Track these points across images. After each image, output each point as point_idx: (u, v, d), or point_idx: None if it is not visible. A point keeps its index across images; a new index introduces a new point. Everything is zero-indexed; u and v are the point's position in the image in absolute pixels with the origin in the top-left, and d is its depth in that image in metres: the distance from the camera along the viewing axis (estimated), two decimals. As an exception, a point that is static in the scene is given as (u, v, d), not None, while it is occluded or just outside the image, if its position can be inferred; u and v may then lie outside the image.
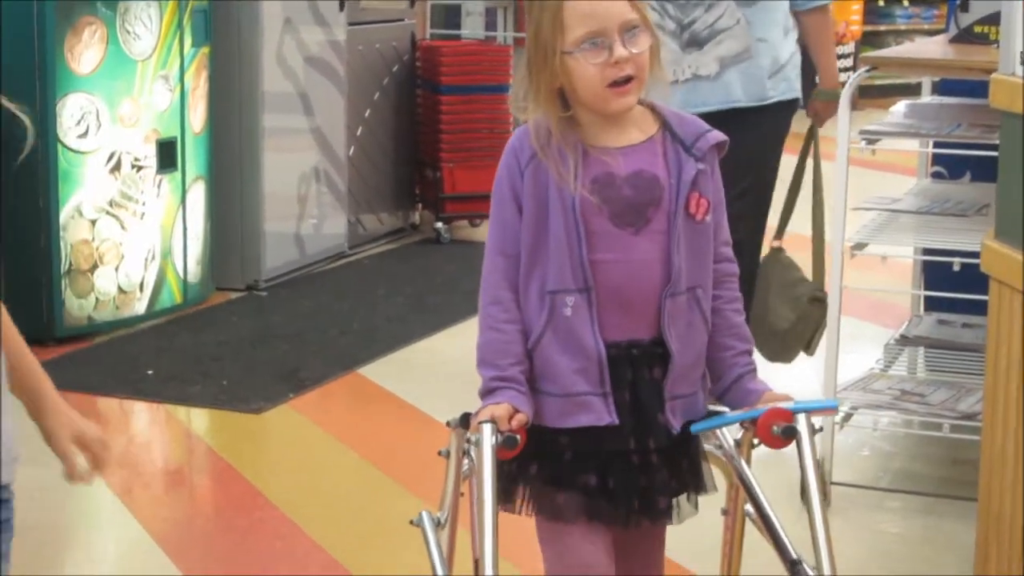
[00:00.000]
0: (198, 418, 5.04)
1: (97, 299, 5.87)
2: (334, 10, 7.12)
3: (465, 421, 2.27)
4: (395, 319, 6.30)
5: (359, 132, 7.50)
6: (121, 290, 5.96)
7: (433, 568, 2.34)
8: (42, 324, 5.62)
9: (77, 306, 5.80)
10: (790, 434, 2.15)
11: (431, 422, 4.79)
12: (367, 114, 7.59)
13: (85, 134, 5.69)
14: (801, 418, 2.17)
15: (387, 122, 7.80)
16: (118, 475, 4.42)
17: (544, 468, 2.30)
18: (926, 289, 4.99)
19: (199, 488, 4.60)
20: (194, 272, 6.34)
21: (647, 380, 2.28)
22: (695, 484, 2.38)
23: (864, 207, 4.51)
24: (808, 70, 4.48)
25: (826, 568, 2.07)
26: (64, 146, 5.61)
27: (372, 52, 7.63)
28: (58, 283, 5.68)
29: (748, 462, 2.36)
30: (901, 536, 4.05)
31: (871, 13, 14.35)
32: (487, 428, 2.11)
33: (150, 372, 5.45)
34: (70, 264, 5.73)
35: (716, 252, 2.38)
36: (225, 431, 4.89)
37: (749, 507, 2.40)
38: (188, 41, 6.14)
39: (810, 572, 2.18)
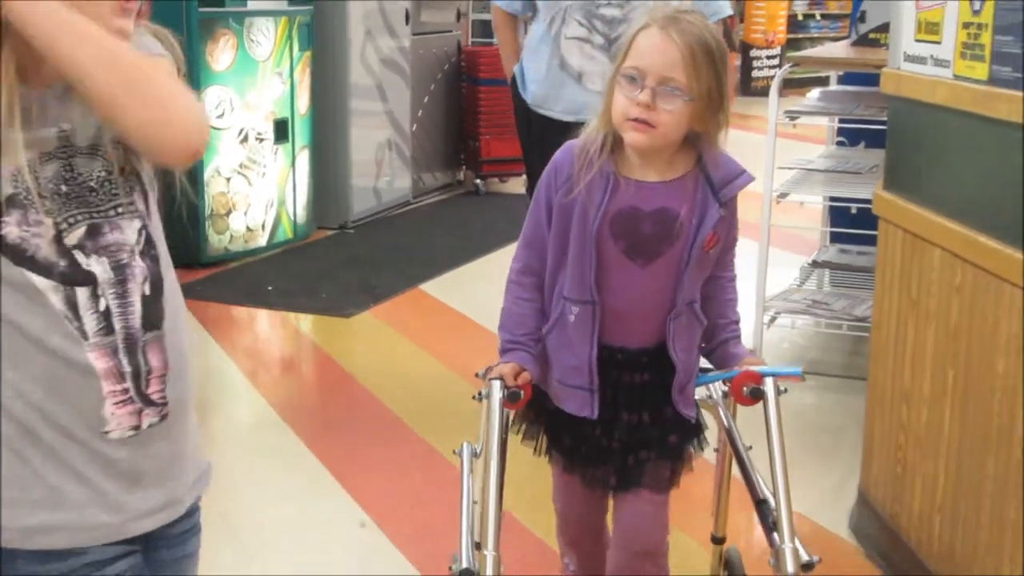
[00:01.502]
0: (304, 322, 5.07)
1: (231, 235, 5.89)
2: (402, 24, 7.07)
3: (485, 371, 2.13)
4: (446, 250, 6.28)
5: (419, 114, 7.46)
6: (248, 229, 5.98)
7: (463, 493, 2.13)
8: (192, 254, 5.64)
9: (216, 240, 5.82)
10: (757, 395, 1.99)
11: (472, 323, 4.84)
12: (425, 100, 7.55)
13: (222, 116, 5.69)
14: (769, 381, 1.99)
15: (440, 106, 7.76)
16: (247, 363, 4.50)
17: (549, 424, 2.15)
18: (831, 227, 5.02)
19: (306, 373, 4.63)
20: (301, 216, 6.33)
21: (627, 383, 2.06)
22: (694, 436, 2.17)
23: (787, 167, 4.58)
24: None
25: (783, 508, 1.90)
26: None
27: (429, 55, 7.59)
28: (203, 224, 5.70)
29: (732, 412, 2.24)
30: (815, 406, 4.09)
31: (793, 25, 14.86)
32: (496, 384, 1.95)
33: (270, 288, 5.46)
34: (211, 210, 5.74)
35: (723, 262, 2.10)
36: (324, 331, 4.91)
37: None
38: (296, 46, 6.11)
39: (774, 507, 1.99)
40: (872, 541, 3.08)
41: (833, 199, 4.63)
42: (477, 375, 2.14)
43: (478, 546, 1.93)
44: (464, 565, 1.92)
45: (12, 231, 1.30)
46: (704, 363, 2.19)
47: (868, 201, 3.24)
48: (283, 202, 6.17)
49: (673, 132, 1.92)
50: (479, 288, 5.29)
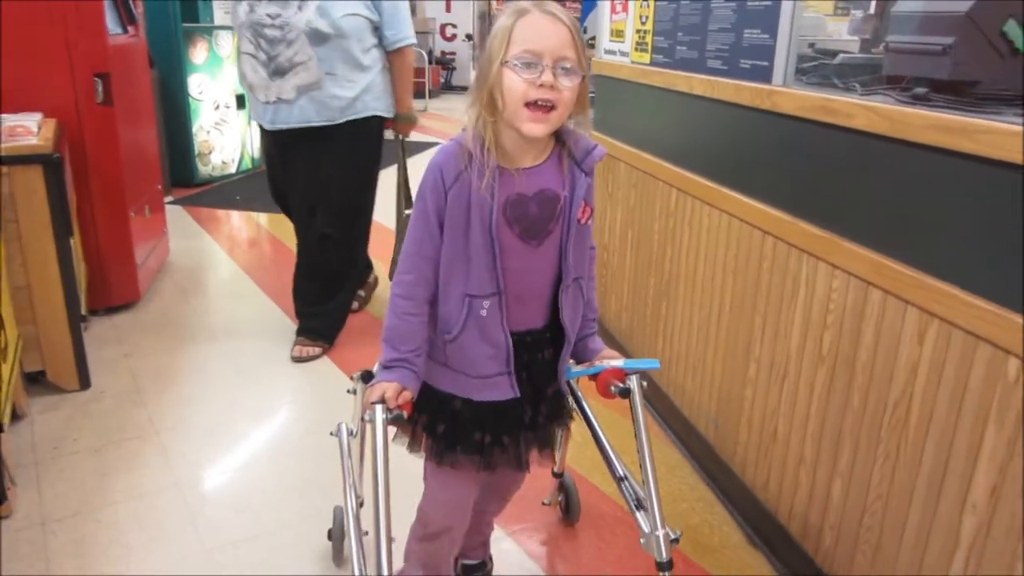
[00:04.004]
0: (261, 218, 4.86)
1: (212, 166, 5.53)
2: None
3: (366, 377, 1.54)
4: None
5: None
6: (223, 162, 5.62)
7: (344, 480, 1.53)
8: (188, 178, 5.32)
9: (203, 170, 5.47)
10: (625, 394, 1.45)
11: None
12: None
13: (201, 92, 5.31)
14: (634, 379, 1.44)
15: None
16: (226, 244, 4.33)
17: (448, 427, 1.42)
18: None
19: (263, 249, 4.47)
20: (256, 152, 5.94)
21: (539, 361, 1.44)
22: (562, 418, 1.54)
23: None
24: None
25: (654, 497, 1.39)
26: (192, 98, 5.25)
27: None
28: (194, 159, 5.35)
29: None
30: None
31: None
32: (378, 409, 1.32)
33: (238, 198, 5.19)
34: (198, 151, 5.39)
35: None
36: (273, 223, 4.71)
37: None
38: (247, 49, 5.73)
39: (634, 484, 1.49)
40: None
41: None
42: (353, 377, 1.59)
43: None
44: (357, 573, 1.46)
45: None
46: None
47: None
48: (244, 145, 5.82)
49: (566, 111, 1.30)
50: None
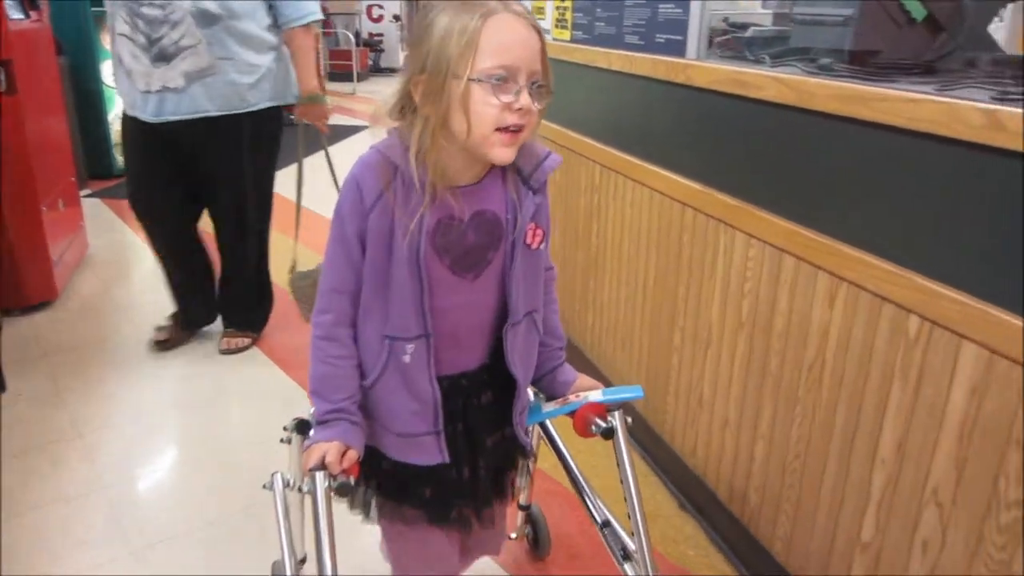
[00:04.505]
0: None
1: (131, 157, 5.40)
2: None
3: (302, 428, 1.28)
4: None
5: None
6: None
7: (281, 536, 1.25)
8: (106, 169, 5.14)
9: (119, 160, 5.26)
10: (609, 435, 1.23)
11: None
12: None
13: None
14: (617, 415, 1.24)
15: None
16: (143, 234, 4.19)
17: (389, 483, 1.21)
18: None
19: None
20: None
21: (476, 407, 1.19)
22: (512, 465, 1.31)
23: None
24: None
25: (645, 548, 1.23)
26: (106, 85, 5.05)
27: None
28: (110, 150, 5.16)
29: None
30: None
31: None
32: (319, 477, 1.08)
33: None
34: (115, 140, 5.19)
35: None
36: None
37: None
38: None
39: (619, 531, 1.32)
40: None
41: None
42: (286, 428, 1.31)
43: None
44: None
45: None
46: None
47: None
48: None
49: (532, 132, 1.08)
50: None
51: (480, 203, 1.11)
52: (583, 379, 1.31)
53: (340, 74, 10.92)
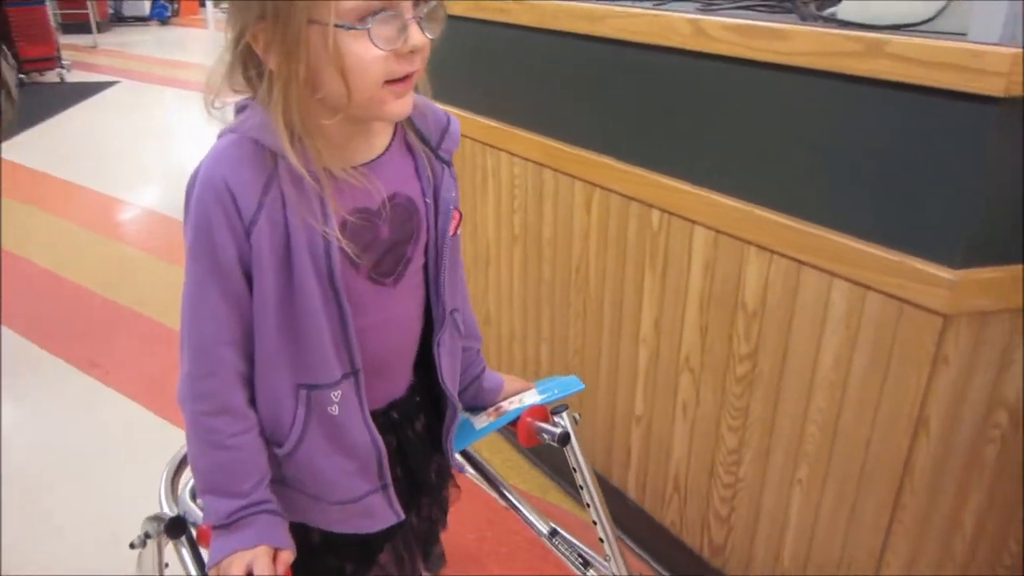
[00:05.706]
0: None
1: None
2: None
3: (175, 526, 0.91)
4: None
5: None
6: None
7: None
8: None
9: None
10: (565, 441, 1.05)
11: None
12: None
13: None
14: (564, 416, 1.06)
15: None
16: None
17: (323, 562, 0.93)
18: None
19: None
20: None
21: (411, 439, 0.95)
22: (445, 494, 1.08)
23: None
24: None
25: (616, 557, 1.09)
26: None
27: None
28: None
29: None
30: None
31: None
32: None
33: None
34: None
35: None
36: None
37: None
38: None
39: (570, 537, 1.13)
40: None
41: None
42: (132, 546, 0.94)
43: None
44: None
45: None
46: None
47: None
48: None
49: (423, 71, 0.80)
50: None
51: (392, 184, 0.84)
52: (510, 380, 1.09)
53: (75, 24, 9.83)
